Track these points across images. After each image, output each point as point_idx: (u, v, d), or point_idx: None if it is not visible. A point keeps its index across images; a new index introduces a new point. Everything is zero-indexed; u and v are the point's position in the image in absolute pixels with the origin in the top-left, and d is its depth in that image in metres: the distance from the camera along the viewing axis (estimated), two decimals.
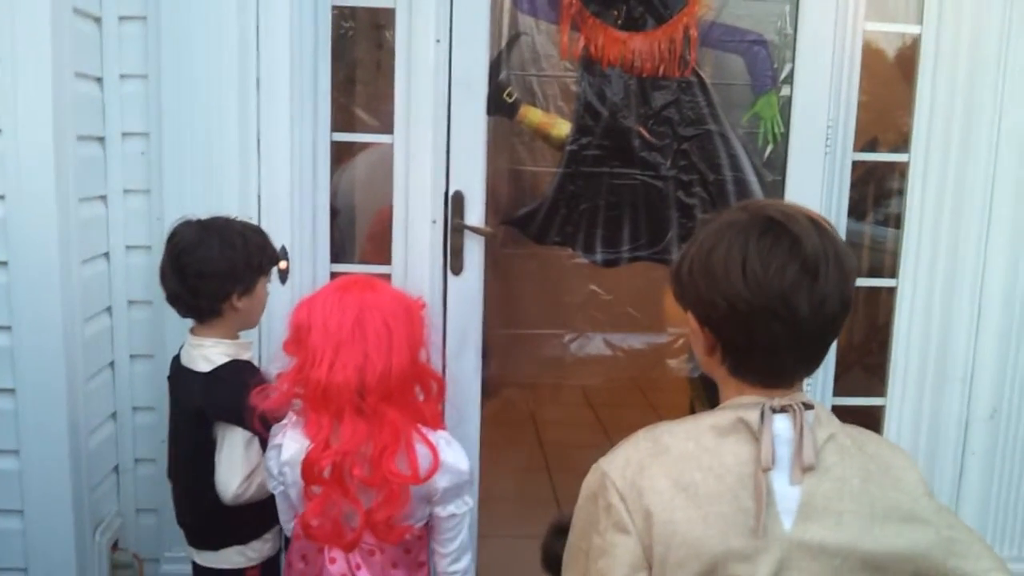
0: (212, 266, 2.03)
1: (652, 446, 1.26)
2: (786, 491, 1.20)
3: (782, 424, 1.22)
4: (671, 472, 1.21)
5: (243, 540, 2.10)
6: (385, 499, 1.73)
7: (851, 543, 1.20)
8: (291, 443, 1.82)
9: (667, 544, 1.19)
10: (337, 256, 2.72)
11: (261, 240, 2.13)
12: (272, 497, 2.01)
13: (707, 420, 1.26)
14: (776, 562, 1.19)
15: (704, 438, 1.23)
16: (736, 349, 1.25)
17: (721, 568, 1.19)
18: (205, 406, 2.04)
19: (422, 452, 1.76)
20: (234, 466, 2.00)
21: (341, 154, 2.84)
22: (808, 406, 1.23)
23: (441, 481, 1.79)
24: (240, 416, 1.95)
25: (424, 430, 1.79)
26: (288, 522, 1.92)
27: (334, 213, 2.73)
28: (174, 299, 2.09)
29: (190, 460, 2.09)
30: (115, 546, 2.49)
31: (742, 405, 1.24)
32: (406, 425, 1.75)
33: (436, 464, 1.77)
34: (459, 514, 1.86)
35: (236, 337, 2.14)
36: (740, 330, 1.22)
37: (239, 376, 2.04)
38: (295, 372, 1.78)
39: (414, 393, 1.82)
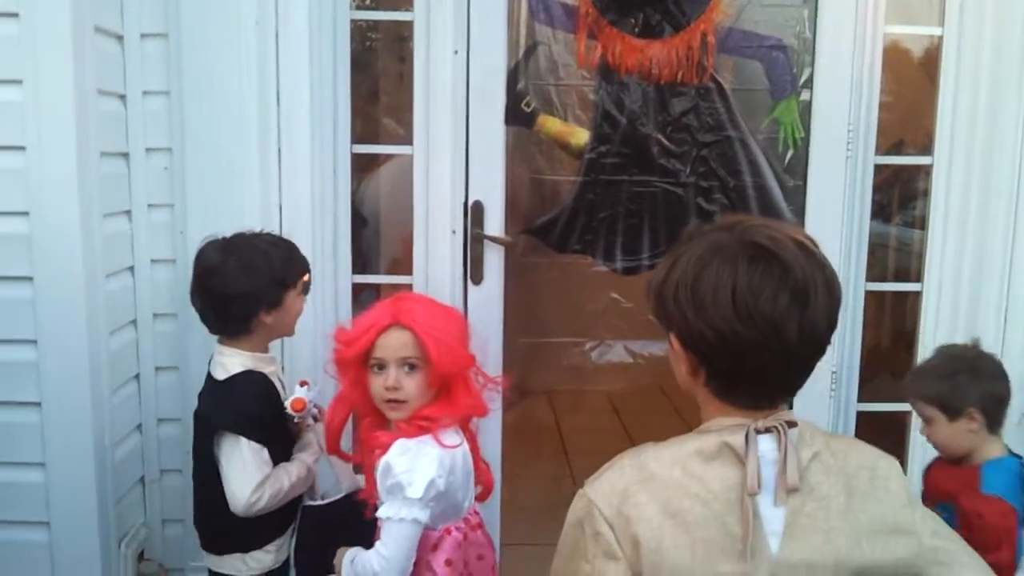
0: (235, 288, 2.05)
1: (638, 473, 1.24)
2: (772, 513, 1.20)
3: (767, 445, 1.21)
4: (659, 499, 1.20)
5: (244, 548, 2.12)
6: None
7: (838, 560, 1.20)
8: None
9: (656, 570, 1.18)
10: (360, 267, 2.74)
11: (286, 254, 2.13)
12: (279, 509, 2.05)
13: (692, 445, 1.24)
14: None
15: (690, 464, 1.22)
16: (723, 376, 1.24)
17: None
18: (211, 414, 2.07)
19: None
20: (245, 475, 2.00)
21: (364, 165, 2.86)
22: (792, 424, 1.22)
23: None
24: (243, 426, 1.99)
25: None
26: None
27: (357, 224, 2.75)
28: (204, 318, 2.13)
29: (201, 466, 2.12)
30: (141, 556, 2.51)
31: (726, 428, 1.23)
32: None
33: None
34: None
35: (263, 350, 2.16)
36: (727, 359, 1.20)
37: (249, 387, 2.08)
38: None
39: None
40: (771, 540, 1.20)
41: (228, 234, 2.13)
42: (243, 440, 2.01)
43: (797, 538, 1.20)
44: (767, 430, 1.21)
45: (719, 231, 1.24)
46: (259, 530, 2.10)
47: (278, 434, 2.11)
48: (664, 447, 1.26)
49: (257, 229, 2.21)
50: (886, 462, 1.30)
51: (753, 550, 1.18)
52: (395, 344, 1.92)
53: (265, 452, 2.04)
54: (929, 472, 2.21)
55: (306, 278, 2.18)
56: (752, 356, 1.18)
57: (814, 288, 1.17)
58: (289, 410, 2.09)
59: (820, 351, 1.23)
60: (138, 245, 2.49)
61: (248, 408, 2.05)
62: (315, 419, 2.18)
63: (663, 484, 1.21)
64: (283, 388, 2.17)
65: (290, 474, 2.08)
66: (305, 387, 2.12)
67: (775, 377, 1.22)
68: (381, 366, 1.93)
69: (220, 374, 2.10)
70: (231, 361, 2.10)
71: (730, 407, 1.25)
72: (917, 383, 2.15)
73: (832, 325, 1.21)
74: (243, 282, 2.04)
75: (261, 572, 2.13)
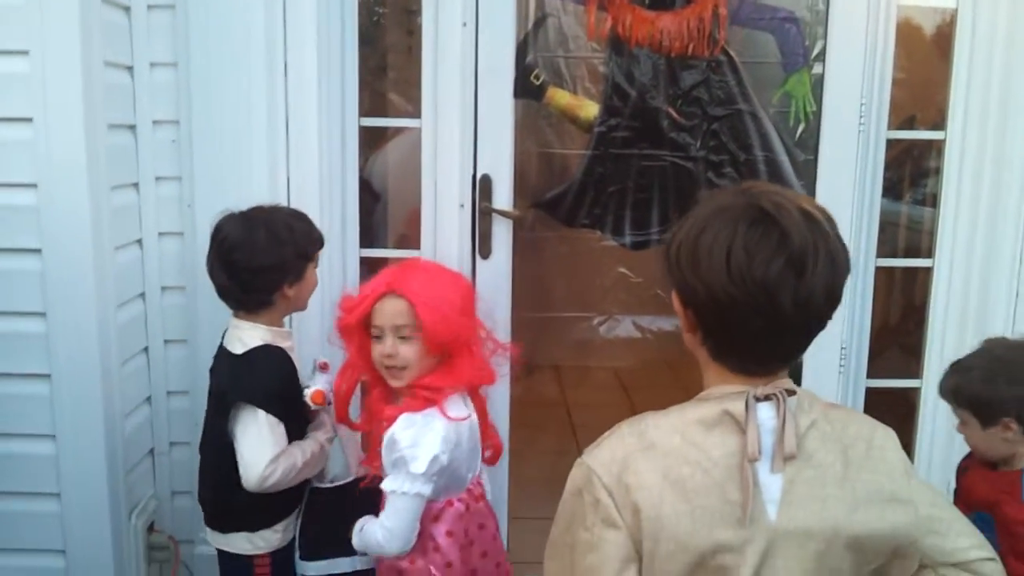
0: (262, 260, 2.05)
1: (638, 441, 1.24)
2: (769, 480, 1.21)
3: (765, 413, 1.21)
4: (659, 467, 1.21)
5: (252, 527, 2.12)
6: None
7: (835, 527, 1.21)
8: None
9: (655, 538, 1.20)
10: (368, 241, 2.73)
11: (306, 227, 2.15)
12: (288, 489, 2.06)
13: (693, 413, 1.25)
14: (762, 551, 1.20)
15: (690, 432, 1.23)
16: (716, 335, 1.25)
17: (709, 559, 1.20)
18: (229, 387, 2.06)
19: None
20: (261, 448, 2.00)
21: (374, 139, 2.84)
22: (791, 392, 1.22)
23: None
24: (263, 398, 1.99)
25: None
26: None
27: (366, 198, 2.73)
28: (224, 293, 2.12)
29: (213, 440, 2.11)
30: (151, 528, 2.52)
31: (727, 396, 1.23)
32: None
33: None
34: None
35: (280, 324, 2.16)
36: (720, 318, 1.21)
37: (268, 361, 2.07)
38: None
39: None
40: (769, 507, 1.21)
41: (243, 208, 2.12)
42: (261, 413, 2.00)
43: (794, 505, 1.21)
44: (766, 398, 1.21)
45: (730, 194, 1.24)
46: (268, 509, 2.10)
47: (294, 411, 2.11)
48: (664, 415, 1.27)
49: (268, 202, 2.21)
50: (883, 432, 1.30)
51: (751, 517, 1.19)
52: (390, 312, 1.95)
53: (282, 427, 2.03)
54: (965, 475, 2.11)
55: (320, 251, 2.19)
56: (743, 319, 1.19)
57: (813, 258, 1.16)
58: (309, 402, 2.11)
59: (817, 322, 1.22)
60: (146, 218, 2.49)
61: (268, 382, 2.05)
62: (329, 401, 2.18)
63: (663, 452, 1.22)
64: (299, 364, 2.17)
65: (304, 452, 2.08)
66: (325, 372, 2.13)
67: (767, 343, 1.22)
68: (379, 335, 1.95)
69: (238, 348, 2.09)
70: (249, 335, 2.09)
71: (727, 371, 1.25)
72: (952, 382, 2.03)
73: (832, 298, 1.20)
74: (270, 255, 2.05)
75: (267, 551, 2.13)
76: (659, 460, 1.21)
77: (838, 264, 1.19)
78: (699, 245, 1.19)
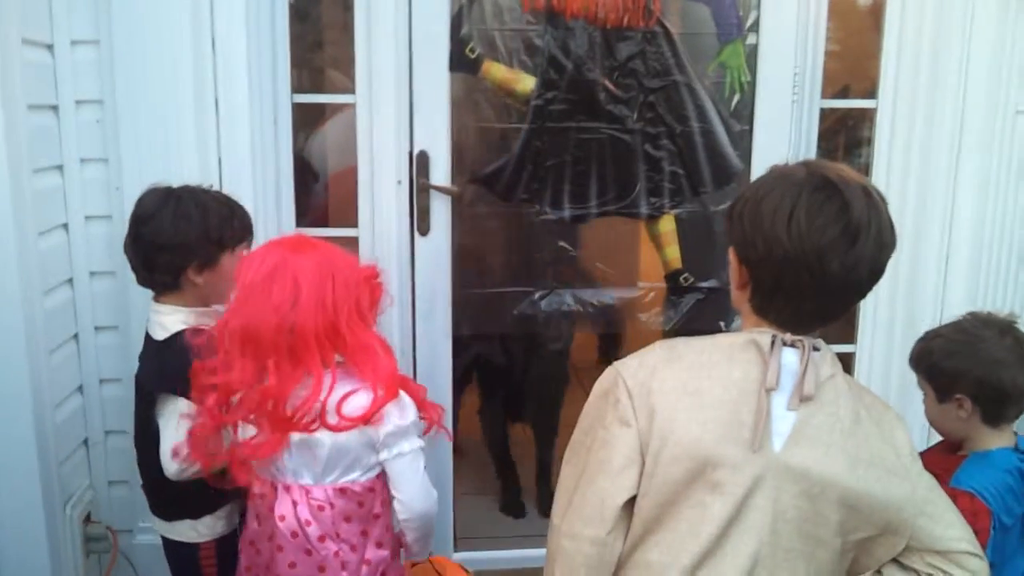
0: (164, 238, 1.97)
1: (668, 353, 1.36)
2: (783, 415, 1.29)
3: (790, 357, 1.30)
4: (681, 376, 1.31)
5: (194, 515, 2.08)
6: (258, 441, 1.81)
7: (833, 476, 1.28)
8: None
9: (664, 439, 1.29)
10: (310, 220, 2.69)
11: (226, 212, 2.05)
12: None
13: (723, 339, 1.36)
14: (758, 477, 1.28)
15: (717, 353, 1.33)
16: (764, 289, 1.33)
17: (710, 471, 1.28)
18: (150, 375, 2.01)
19: (358, 402, 1.79)
20: (178, 437, 1.93)
21: (313, 119, 2.79)
22: (816, 348, 1.31)
23: (383, 428, 1.82)
24: (183, 387, 1.91)
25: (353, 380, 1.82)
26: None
27: (306, 178, 2.69)
28: (132, 269, 2.06)
29: (142, 430, 2.05)
30: (88, 519, 2.47)
31: (758, 332, 1.33)
32: (293, 380, 1.77)
33: (368, 415, 1.79)
34: (405, 453, 1.86)
35: (204, 305, 2.08)
36: (771, 273, 1.30)
37: (191, 346, 1.98)
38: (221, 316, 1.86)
39: (330, 352, 1.80)
40: (776, 439, 1.29)
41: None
42: (181, 401, 1.93)
43: (800, 445, 1.29)
44: (793, 344, 1.30)
45: (796, 165, 1.34)
46: (208, 496, 2.03)
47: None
48: (697, 338, 1.39)
49: (205, 184, 2.14)
50: (893, 413, 1.40)
51: (758, 441, 1.27)
52: None
53: None
54: (922, 456, 2.11)
55: (246, 245, 2.10)
56: (791, 274, 1.28)
57: (867, 230, 1.25)
58: None
59: (858, 291, 1.32)
60: (71, 201, 2.41)
61: (188, 368, 1.95)
62: None
63: (687, 365, 1.33)
64: None
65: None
66: None
67: (809, 300, 1.30)
68: None
69: (159, 333, 2.03)
70: (169, 319, 2.03)
71: (765, 323, 1.35)
72: (917, 348, 2.00)
73: (875, 271, 1.29)
74: (174, 233, 1.97)
75: (211, 538, 2.10)
76: (683, 372, 1.32)
77: (886, 240, 1.28)
78: (763, 206, 1.29)
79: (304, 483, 1.85)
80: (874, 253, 1.27)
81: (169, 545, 2.15)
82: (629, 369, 1.35)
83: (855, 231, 1.25)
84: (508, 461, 3.43)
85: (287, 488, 1.86)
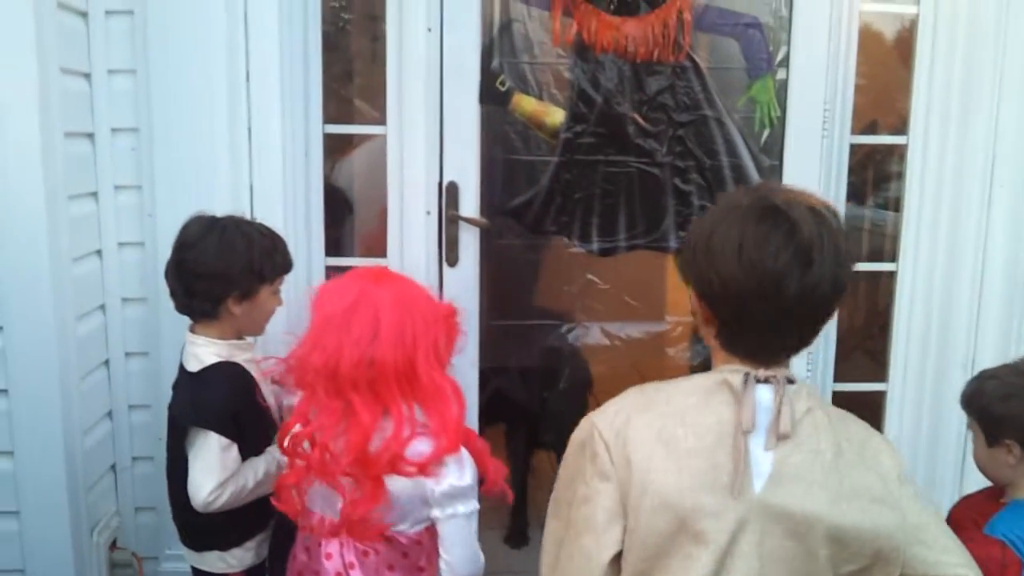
0: (207, 266, 1.98)
1: (641, 399, 1.34)
2: (760, 456, 1.26)
3: (764, 394, 1.28)
4: (655, 424, 1.28)
5: (223, 547, 2.07)
6: (364, 494, 1.72)
7: (816, 513, 1.25)
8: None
9: (643, 491, 1.26)
10: (334, 248, 2.70)
11: (269, 245, 2.05)
12: (254, 505, 2.00)
13: (696, 381, 1.33)
14: (740, 521, 1.25)
15: (690, 397, 1.31)
16: (728, 324, 1.31)
17: (691, 521, 1.25)
18: (183, 410, 2.00)
19: (419, 448, 1.71)
20: (207, 472, 1.93)
21: (340, 146, 2.82)
22: (791, 381, 1.29)
23: (439, 486, 1.74)
24: (215, 421, 1.92)
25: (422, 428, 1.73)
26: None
27: (332, 206, 2.70)
28: (172, 295, 2.06)
29: (173, 460, 2.06)
30: (114, 545, 2.47)
31: (730, 371, 1.30)
32: (377, 418, 1.70)
33: (426, 464, 1.71)
34: (459, 514, 1.77)
35: (238, 337, 2.08)
36: (732, 307, 1.28)
37: (222, 380, 2.00)
38: (294, 348, 1.79)
39: (408, 391, 1.73)
40: (756, 481, 1.26)
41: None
42: (212, 436, 1.93)
43: (781, 484, 1.25)
44: (766, 380, 1.28)
45: (742, 192, 1.34)
46: (237, 527, 2.04)
47: (253, 428, 2.03)
48: (669, 382, 1.36)
49: (250, 218, 2.17)
50: (880, 439, 1.37)
51: (737, 485, 1.24)
52: None
53: (235, 449, 1.97)
54: (960, 502, 2.01)
55: (282, 279, 2.10)
56: (751, 305, 1.26)
57: (819, 249, 1.23)
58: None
59: (823, 313, 1.29)
60: (105, 228, 2.44)
61: (221, 403, 1.97)
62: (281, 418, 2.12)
63: (661, 412, 1.30)
64: (260, 378, 2.12)
65: (256, 471, 2.01)
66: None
67: (775, 329, 1.28)
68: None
69: (193, 365, 2.03)
70: (204, 351, 2.03)
71: (735, 358, 1.32)
72: (970, 389, 1.91)
73: (837, 288, 1.27)
74: (217, 262, 1.98)
75: (242, 569, 2.09)
76: (657, 419, 1.29)
77: (842, 256, 1.26)
78: (713, 240, 1.27)
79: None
80: (832, 270, 1.24)
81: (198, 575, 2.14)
82: (604, 419, 1.33)
83: (807, 253, 1.23)
84: (523, 494, 3.39)
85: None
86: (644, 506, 1.26)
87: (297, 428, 1.78)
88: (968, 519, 1.84)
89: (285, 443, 1.81)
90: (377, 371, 1.68)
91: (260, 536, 2.10)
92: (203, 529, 2.05)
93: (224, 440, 1.94)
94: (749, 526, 1.25)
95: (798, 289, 1.23)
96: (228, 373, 2.02)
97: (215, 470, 1.93)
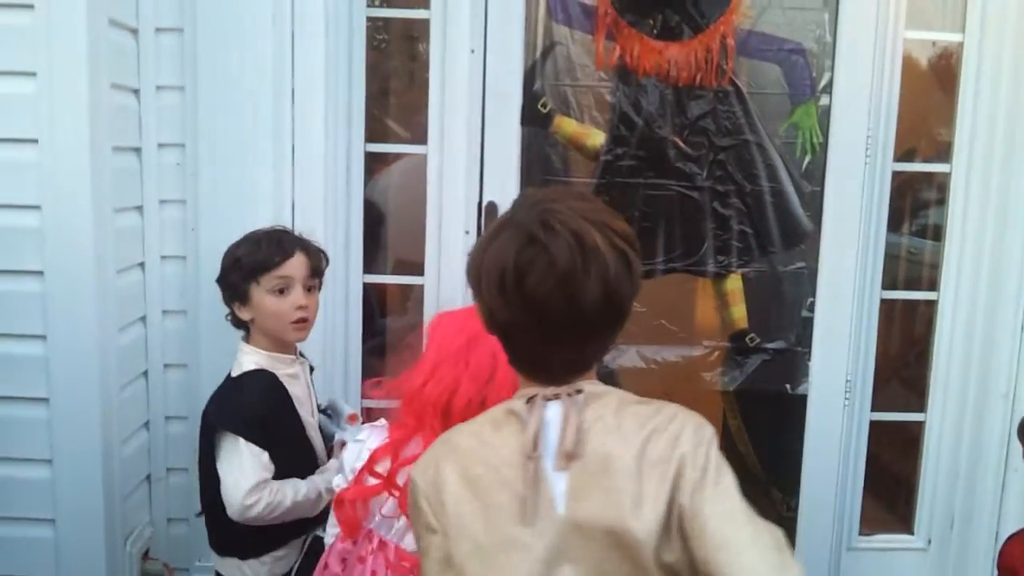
0: (220, 275, 2.08)
1: (444, 446, 1.31)
2: (556, 475, 1.22)
3: (553, 412, 1.24)
4: (458, 468, 1.25)
5: (242, 555, 2.07)
6: None
7: (621, 519, 1.18)
8: (372, 442, 1.79)
9: (458, 535, 1.23)
10: (371, 267, 2.72)
11: (248, 247, 2.06)
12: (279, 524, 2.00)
13: (488, 415, 1.30)
14: (552, 547, 1.20)
15: (483, 433, 1.27)
16: (507, 349, 1.29)
17: (504, 556, 1.21)
18: (211, 408, 2.03)
19: None
20: (241, 477, 1.94)
21: (376, 165, 2.84)
22: (579, 391, 1.24)
23: None
24: (242, 427, 1.94)
25: None
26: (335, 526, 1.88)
27: (369, 223, 2.72)
28: None
29: (201, 461, 2.07)
30: (146, 555, 2.48)
31: (518, 397, 1.27)
32: None
33: None
34: None
35: (281, 350, 2.09)
36: (504, 334, 1.27)
37: (254, 386, 2.03)
38: (404, 376, 1.76)
39: None
40: (558, 501, 1.21)
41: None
42: (241, 441, 1.95)
43: (580, 499, 1.21)
44: (556, 397, 1.24)
45: (518, 207, 1.26)
46: (256, 539, 2.04)
47: (286, 441, 2.04)
48: (468, 422, 1.33)
49: (283, 226, 2.19)
50: (679, 423, 1.24)
51: (540, 512, 1.20)
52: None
53: (265, 456, 1.97)
54: (1009, 540, 1.96)
55: (278, 275, 2.05)
56: (520, 334, 1.24)
57: (581, 280, 1.17)
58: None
59: (605, 329, 1.24)
60: (149, 241, 2.47)
61: (249, 409, 1.99)
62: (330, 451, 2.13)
63: (462, 454, 1.27)
64: (312, 393, 2.15)
65: (297, 491, 2.01)
66: (353, 424, 2.10)
67: (551, 353, 1.25)
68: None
69: (235, 371, 2.07)
70: (247, 359, 2.06)
71: (528, 382, 1.28)
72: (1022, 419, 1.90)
73: (615, 308, 1.21)
74: (222, 270, 2.06)
75: None
76: (459, 461, 1.26)
77: (611, 280, 1.18)
78: (482, 269, 1.23)
79: (392, 540, 1.78)
80: (600, 296, 1.18)
81: None
82: (419, 473, 1.29)
83: (567, 283, 1.17)
84: None
85: (383, 544, 1.79)
86: (462, 551, 1.23)
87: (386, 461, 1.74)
88: (1012, 556, 1.81)
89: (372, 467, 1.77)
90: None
91: (279, 552, 2.10)
92: (226, 534, 2.06)
93: (253, 447, 1.95)
94: (563, 548, 1.20)
95: (563, 318, 1.19)
96: (261, 379, 2.04)
97: (247, 474, 1.94)
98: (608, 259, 1.19)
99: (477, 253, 1.26)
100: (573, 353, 1.26)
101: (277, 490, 1.98)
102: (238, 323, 2.09)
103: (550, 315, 1.19)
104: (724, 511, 1.19)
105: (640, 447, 1.21)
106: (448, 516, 1.24)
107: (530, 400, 1.24)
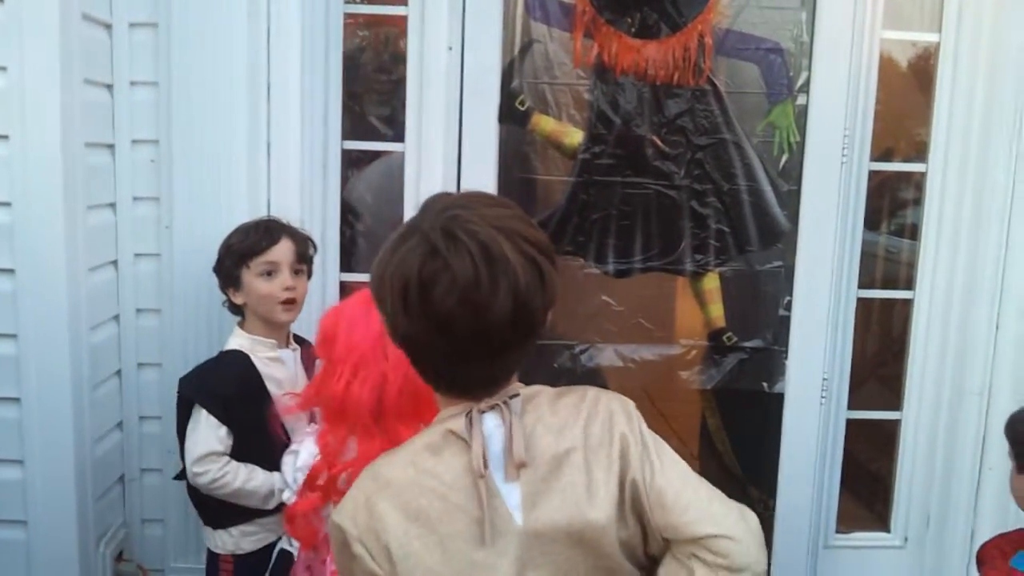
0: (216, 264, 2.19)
1: (373, 483, 1.21)
2: (508, 488, 1.18)
3: (492, 423, 1.19)
4: (398, 504, 1.17)
5: (213, 524, 2.15)
6: None
7: (580, 514, 1.17)
8: (306, 452, 1.79)
9: (411, 575, 1.16)
10: (348, 265, 2.70)
11: (239, 236, 2.17)
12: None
13: (420, 441, 1.22)
14: (518, 560, 1.17)
15: (420, 460, 1.19)
16: (418, 366, 1.22)
17: None
18: (186, 377, 2.13)
19: None
20: (195, 444, 2.04)
21: (353, 162, 2.82)
22: (515, 396, 1.19)
23: None
24: (204, 398, 2.04)
25: None
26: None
27: (346, 221, 2.71)
28: None
29: (178, 429, 2.13)
30: (120, 557, 2.46)
31: (450, 416, 1.20)
32: None
33: None
34: None
35: (265, 334, 2.17)
36: (412, 351, 1.19)
37: (225, 365, 2.13)
38: (317, 382, 1.75)
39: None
40: (515, 514, 1.17)
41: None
42: (203, 412, 2.05)
43: (537, 505, 1.17)
44: (491, 408, 1.18)
45: (421, 215, 1.18)
46: (220, 510, 2.12)
47: (251, 420, 2.06)
48: (395, 451, 1.24)
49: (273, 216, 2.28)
50: (610, 410, 1.24)
51: (499, 528, 1.16)
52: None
53: (223, 430, 2.05)
54: (997, 536, 1.95)
55: (266, 259, 2.13)
56: (427, 351, 1.17)
57: (490, 294, 1.11)
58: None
59: (520, 339, 1.17)
60: (122, 238, 2.44)
61: (217, 384, 2.09)
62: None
63: (399, 488, 1.18)
64: (303, 379, 2.20)
65: (250, 478, 2.07)
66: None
67: (461, 372, 1.19)
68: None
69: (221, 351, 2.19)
70: (232, 340, 2.18)
71: (449, 397, 1.22)
72: (1010, 418, 1.89)
73: (526, 319, 1.14)
74: (217, 259, 2.17)
75: (229, 553, 2.15)
76: (397, 497, 1.18)
77: (522, 292, 1.12)
78: (384, 281, 1.15)
79: None
80: (510, 309, 1.11)
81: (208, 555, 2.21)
82: (347, 517, 1.19)
83: (472, 298, 1.10)
84: None
85: None
86: None
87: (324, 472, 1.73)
88: (998, 550, 1.82)
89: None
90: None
91: (243, 527, 2.13)
92: (194, 498, 2.16)
93: (212, 418, 2.04)
94: (528, 559, 1.17)
95: (471, 334, 1.12)
96: (234, 359, 2.14)
97: (199, 443, 2.04)
98: (518, 270, 1.12)
99: (380, 264, 1.17)
100: (487, 369, 1.19)
101: (229, 469, 2.05)
102: (234, 308, 2.19)
103: (457, 331, 1.12)
104: (676, 476, 1.20)
105: (583, 437, 1.19)
106: (395, 559, 1.16)
107: (467, 416, 1.17)
